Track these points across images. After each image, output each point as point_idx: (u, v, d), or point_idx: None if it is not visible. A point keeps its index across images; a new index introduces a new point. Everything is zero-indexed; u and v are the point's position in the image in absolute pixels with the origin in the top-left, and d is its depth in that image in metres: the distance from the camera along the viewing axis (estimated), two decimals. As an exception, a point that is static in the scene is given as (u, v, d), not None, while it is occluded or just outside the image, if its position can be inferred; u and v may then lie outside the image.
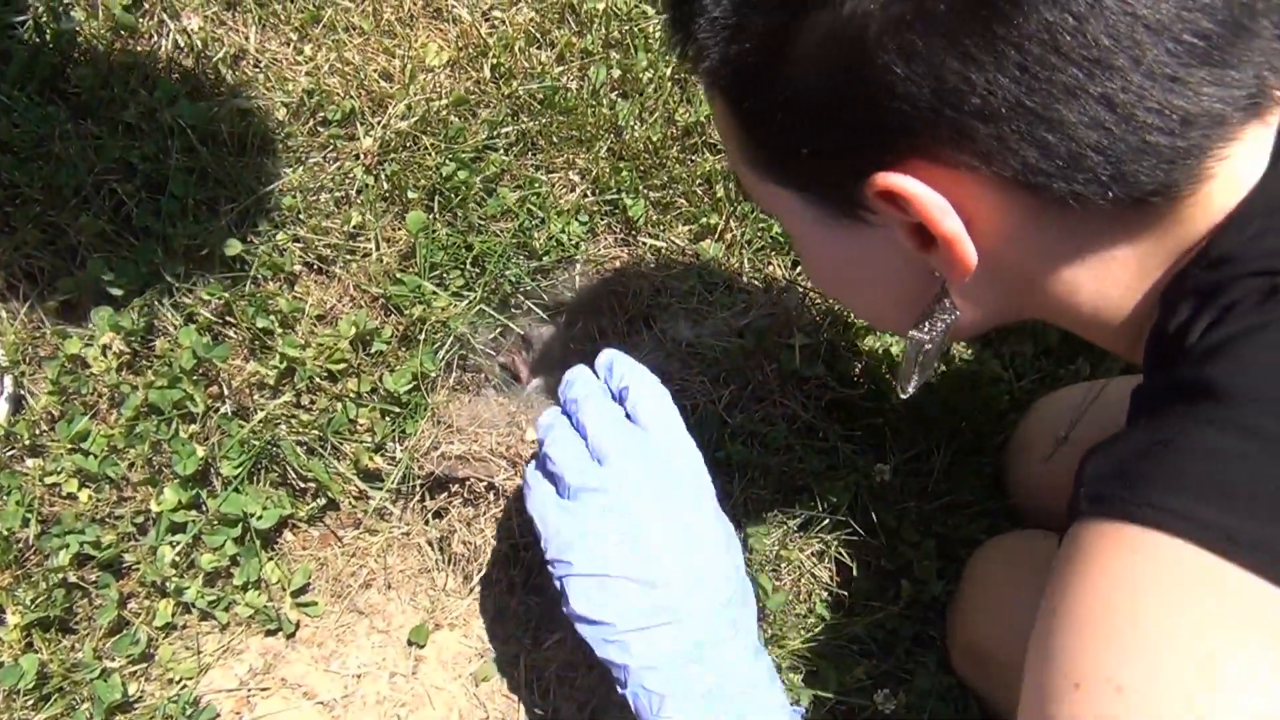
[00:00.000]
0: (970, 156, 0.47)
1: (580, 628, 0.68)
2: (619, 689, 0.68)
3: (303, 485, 0.96)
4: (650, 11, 1.17)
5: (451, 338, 1.00)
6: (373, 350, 0.98)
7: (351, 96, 1.08)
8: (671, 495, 0.70)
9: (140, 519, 0.92)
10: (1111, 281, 0.53)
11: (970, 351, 1.07)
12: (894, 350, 1.03)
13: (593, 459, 0.71)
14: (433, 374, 0.98)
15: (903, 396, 0.65)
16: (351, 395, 0.96)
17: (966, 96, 0.45)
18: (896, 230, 0.53)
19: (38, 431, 0.93)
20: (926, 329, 0.59)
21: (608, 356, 0.77)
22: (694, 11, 0.52)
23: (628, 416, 0.74)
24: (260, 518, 0.91)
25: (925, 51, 0.45)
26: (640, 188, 1.09)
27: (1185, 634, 0.41)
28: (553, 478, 0.72)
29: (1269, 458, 0.42)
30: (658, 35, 1.15)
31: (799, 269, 1.07)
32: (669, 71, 1.12)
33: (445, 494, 0.96)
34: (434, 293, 1.01)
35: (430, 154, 1.06)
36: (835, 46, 0.47)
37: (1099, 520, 0.45)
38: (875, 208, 0.52)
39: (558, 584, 0.69)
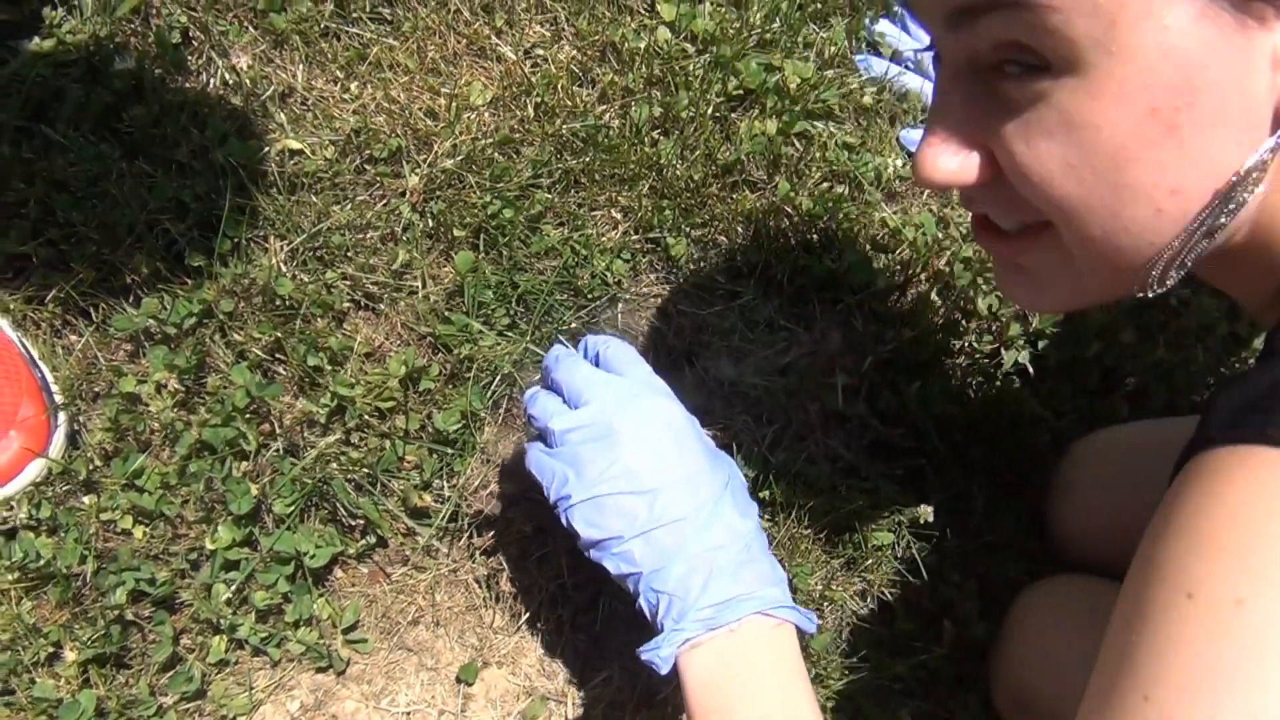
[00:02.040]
0: None
1: (593, 555, 0.73)
2: (636, 603, 0.71)
3: (352, 522, 0.97)
4: (690, 50, 1.18)
5: (499, 377, 1.01)
6: (421, 388, 0.99)
7: (397, 135, 1.10)
8: (650, 419, 0.74)
9: (194, 556, 0.93)
10: None
11: (1012, 388, 1.08)
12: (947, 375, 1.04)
13: (572, 407, 0.76)
14: (481, 412, 0.99)
15: (1152, 293, 0.52)
16: (400, 433, 0.98)
17: None
18: (1277, 45, 0.43)
19: (92, 468, 0.95)
20: (1239, 192, 0.47)
21: (583, 339, 0.84)
22: None
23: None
24: (313, 556, 0.92)
25: None
26: (682, 225, 1.10)
27: None
28: (542, 435, 0.77)
29: None
30: (696, 74, 1.16)
31: (840, 306, 1.08)
32: (709, 110, 1.14)
33: (493, 532, 0.97)
34: (481, 331, 1.02)
35: (475, 192, 1.07)
36: None
37: (1230, 445, 0.44)
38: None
39: (565, 522, 0.73)
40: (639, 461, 0.72)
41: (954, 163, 0.51)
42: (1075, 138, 0.47)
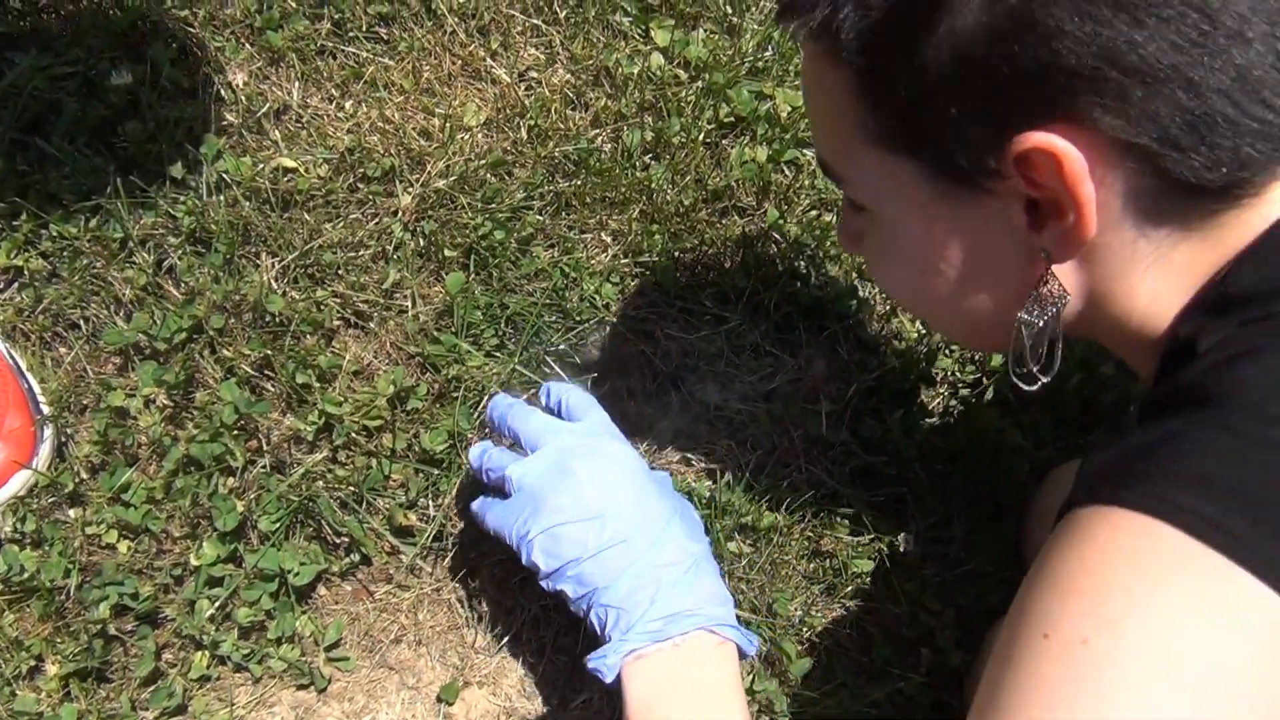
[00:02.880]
0: (1116, 119, 0.49)
1: (550, 584, 0.77)
2: (587, 620, 0.75)
3: (336, 540, 0.97)
4: (683, 76, 1.20)
5: (486, 397, 1.02)
6: (409, 407, 1.00)
7: (391, 154, 1.11)
8: (603, 459, 0.79)
9: (178, 571, 0.94)
10: (1165, 286, 0.56)
11: (993, 419, 1.09)
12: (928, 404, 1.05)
13: (530, 452, 0.81)
14: (468, 433, 1.00)
15: (1028, 390, 0.64)
16: (386, 452, 0.98)
17: (1127, 55, 0.47)
18: (1011, 205, 0.55)
19: (78, 480, 0.95)
20: (1036, 313, 0.59)
21: (546, 386, 0.90)
22: None
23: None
24: (297, 574, 0.92)
25: (1094, 9, 0.47)
26: (671, 250, 1.12)
27: (1155, 608, 0.44)
28: (501, 489, 0.82)
29: (1254, 457, 0.45)
30: (689, 100, 1.17)
31: (826, 333, 1.09)
32: (700, 136, 1.15)
33: (477, 552, 0.98)
34: (469, 352, 1.03)
35: (467, 213, 1.08)
36: (1007, 2, 0.48)
37: (1093, 506, 0.49)
38: (1007, 173, 0.53)
39: (525, 559, 0.77)
40: (592, 493, 0.77)
41: (848, 244, 0.72)
42: (889, 264, 0.66)
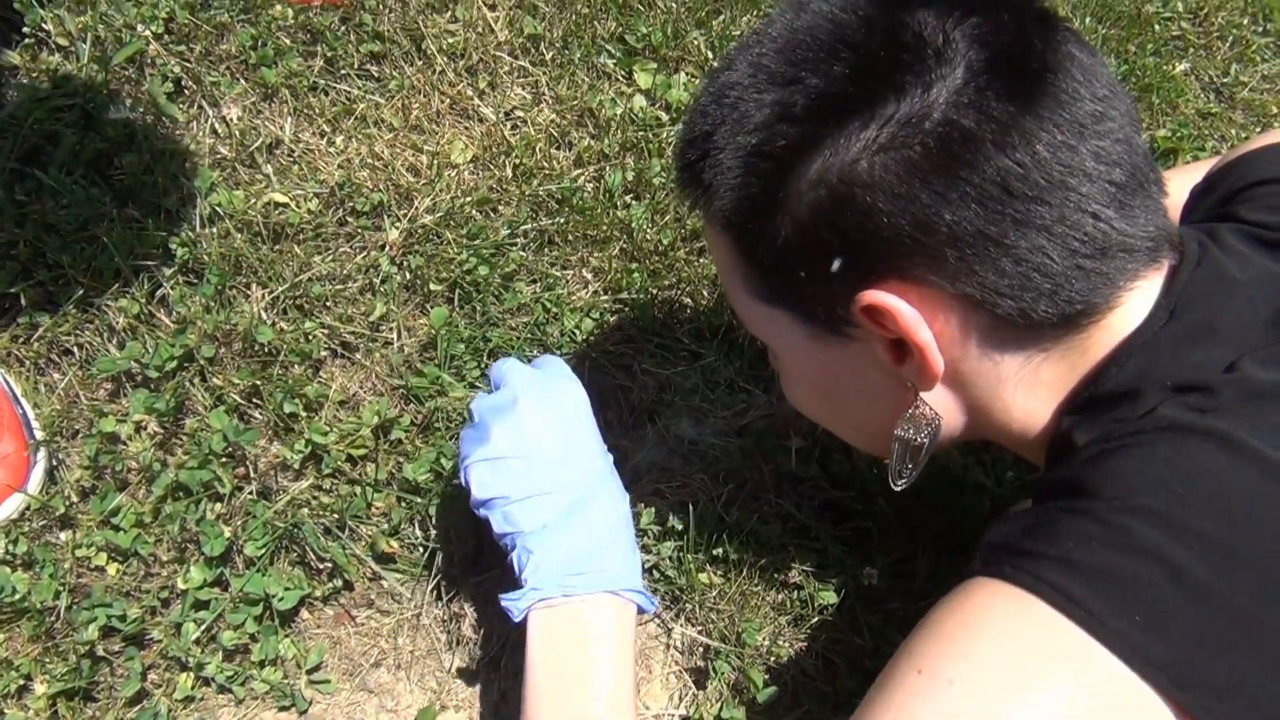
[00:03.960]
0: (940, 277, 0.58)
1: (481, 512, 0.82)
2: (509, 557, 0.80)
3: (320, 565, 1.00)
4: (664, 118, 1.24)
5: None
6: (392, 438, 1.03)
7: (380, 190, 1.14)
8: (551, 397, 0.85)
9: (165, 594, 0.96)
10: (1036, 397, 0.65)
11: (958, 459, 1.13)
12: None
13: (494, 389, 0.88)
14: (449, 463, 1.04)
15: (895, 488, 0.75)
16: (370, 481, 1.01)
17: (937, 226, 0.57)
18: (875, 344, 0.64)
19: (69, 504, 0.98)
20: (911, 431, 0.69)
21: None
22: (708, 163, 0.64)
23: None
24: (281, 599, 0.95)
25: (905, 190, 0.56)
26: (650, 287, 1.15)
27: (1013, 658, 0.51)
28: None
29: (1114, 543, 0.52)
30: (669, 141, 1.21)
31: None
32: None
33: (456, 579, 1.01)
34: (450, 384, 1.07)
35: (453, 248, 1.12)
36: (830, 186, 0.58)
37: (982, 576, 0.56)
38: (858, 322, 0.62)
39: (463, 481, 0.83)
40: (534, 432, 0.82)
41: (773, 363, 0.80)
42: (789, 386, 0.77)
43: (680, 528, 1.03)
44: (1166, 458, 0.55)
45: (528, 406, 0.83)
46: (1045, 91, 0.57)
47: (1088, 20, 1.47)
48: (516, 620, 0.78)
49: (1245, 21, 1.55)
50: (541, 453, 0.82)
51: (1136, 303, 0.62)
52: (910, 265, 0.58)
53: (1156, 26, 1.51)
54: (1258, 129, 1.45)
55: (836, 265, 0.60)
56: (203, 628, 0.94)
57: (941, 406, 0.68)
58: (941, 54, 0.57)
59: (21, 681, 0.91)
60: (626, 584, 0.79)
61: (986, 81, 0.56)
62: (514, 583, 0.79)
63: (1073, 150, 0.57)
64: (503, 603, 0.78)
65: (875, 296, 0.59)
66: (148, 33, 1.16)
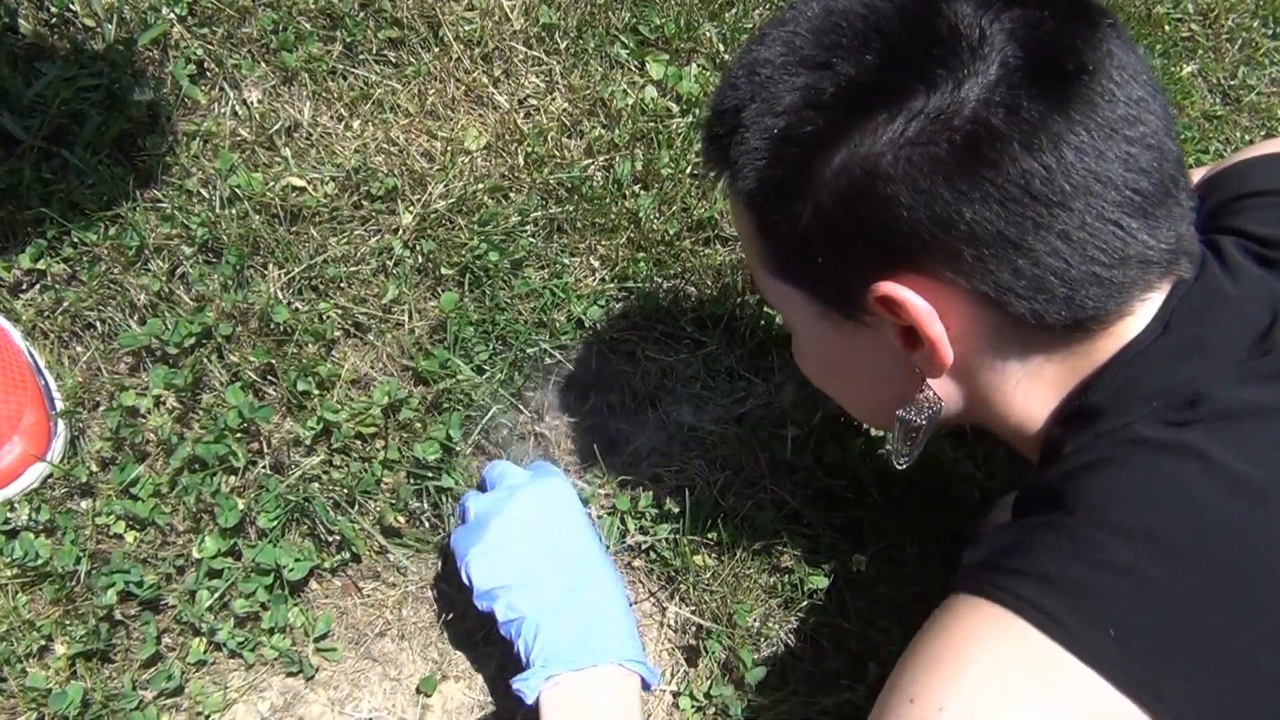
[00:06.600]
0: (955, 273, 0.59)
1: (483, 605, 0.87)
2: (513, 645, 0.85)
3: (329, 538, 1.04)
4: (674, 109, 1.26)
5: (474, 409, 1.09)
6: (401, 417, 1.07)
7: (395, 174, 1.17)
8: (545, 495, 0.91)
9: (181, 562, 1.00)
10: (1036, 396, 0.67)
11: (948, 451, 1.16)
12: (885, 436, 1.12)
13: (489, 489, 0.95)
14: (456, 443, 1.07)
15: (898, 467, 0.78)
16: (379, 458, 1.05)
17: (957, 223, 0.57)
18: (888, 331, 0.65)
19: (90, 474, 1.02)
20: (914, 412, 0.72)
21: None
22: (734, 140, 0.64)
23: None
24: (292, 570, 0.99)
25: (927, 186, 0.57)
26: (655, 276, 1.18)
27: (997, 679, 0.53)
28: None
29: (1089, 559, 0.55)
30: (679, 133, 1.24)
31: (794, 363, 1.16)
32: (688, 169, 1.22)
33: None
34: (459, 366, 1.10)
35: (464, 233, 1.15)
36: (853, 176, 0.59)
37: (967, 594, 0.58)
38: (873, 310, 0.64)
39: (465, 578, 0.88)
40: (530, 524, 0.88)
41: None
42: (802, 359, 0.80)
43: (677, 511, 1.06)
44: (1140, 474, 0.57)
45: (523, 501, 0.89)
46: (1079, 94, 0.56)
47: (1098, 19, 1.48)
48: (529, 702, 0.81)
49: (1256, 24, 1.57)
50: (538, 542, 0.87)
51: (1145, 313, 0.63)
52: (927, 259, 0.59)
53: (1167, 27, 1.52)
54: (1262, 133, 1.46)
55: (851, 255, 0.62)
56: (216, 595, 0.98)
57: (944, 393, 0.70)
58: (977, 50, 0.56)
59: (43, 642, 0.96)
60: (630, 656, 0.83)
61: (1020, 80, 0.56)
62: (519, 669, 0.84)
63: (1100, 155, 0.56)
64: (514, 686, 0.82)
65: (890, 288, 0.61)
66: (172, 15, 1.19)
